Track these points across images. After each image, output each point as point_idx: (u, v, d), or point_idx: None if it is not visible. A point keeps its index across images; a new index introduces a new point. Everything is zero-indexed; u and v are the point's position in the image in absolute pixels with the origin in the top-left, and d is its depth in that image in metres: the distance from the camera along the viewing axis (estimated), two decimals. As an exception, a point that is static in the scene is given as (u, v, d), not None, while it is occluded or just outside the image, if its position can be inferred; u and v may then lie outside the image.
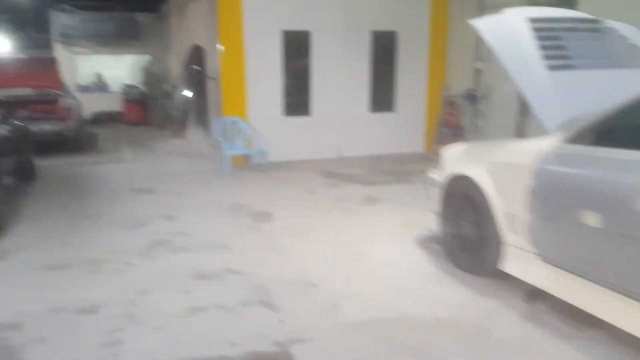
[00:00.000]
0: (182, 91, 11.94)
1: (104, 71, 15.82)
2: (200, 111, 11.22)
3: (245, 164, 8.44)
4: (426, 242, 4.83)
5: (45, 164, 8.32)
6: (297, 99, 8.79)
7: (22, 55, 13.39)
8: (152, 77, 14.65)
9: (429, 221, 4.68)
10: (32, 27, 16.05)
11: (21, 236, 5.10)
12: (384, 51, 9.06)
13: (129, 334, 3.26)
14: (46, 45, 15.09)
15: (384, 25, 9.00)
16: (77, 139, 10.01)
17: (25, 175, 7.23)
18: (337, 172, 8.04)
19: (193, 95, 11.60)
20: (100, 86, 15.69)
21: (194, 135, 11.17)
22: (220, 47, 8.29)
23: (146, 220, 5.59)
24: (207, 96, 10.39)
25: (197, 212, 5.96)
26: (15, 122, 7.02)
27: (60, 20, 14.60)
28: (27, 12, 15.91)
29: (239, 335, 3.22)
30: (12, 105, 9.06)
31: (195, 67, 11.12)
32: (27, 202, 6.33)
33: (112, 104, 14.84)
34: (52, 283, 4.03)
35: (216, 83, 8.90)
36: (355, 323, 3.40)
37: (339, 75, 8.87)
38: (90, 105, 13.53)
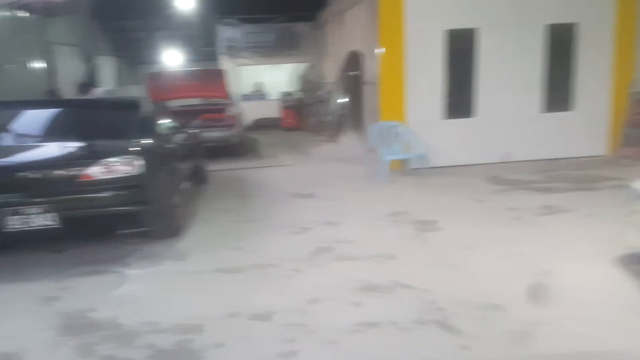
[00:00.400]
0: (338, 97, 12.03)
1: (263, 80, 16.70)
2: (355, 116, 11.19)
3: (403, 169, 8.15)
4: (629, 264, 4.11)
5: (213, 169, 8.82)
6: (459, 100, 8.28)
7: (192, 68, 14.61)
8: (308, 84, 15.06)
9: (632, 239, 3.97)
10: (200, 41, 17.50)
11: (196, 238, 5.36)
12: (559, 45, 8.16)
13: (302, 345, 3.15)
14: (213, 57, 16.32)
15: (561, 18, 8.12)
16: (240, 145, 10.55)
17: (198, 179, 7.70)
18: (505, 177, 7.39)
19: (348, 101, 11.62)
20: (260, 94, 16.57)
21: (348, 140, 11.17)
22: (379, 50, 8.12)
23: (308, 226, 5.56)
24: (362, 101, 10.31)
25: (357, 218, 5.81)
26: (190, 130, 7.50)
27: (226, 33, 15.66)
28: (196, 28, 17.37)
29: (418, 359, 2.93)
30: (185, 115, 9.80)
31: (351, 72, 11.12)
32: (199, 205, 6.71)
33: (270, 110, 15.57)
34: (226, 287, 4.12)
35: (373, 87, 8.74)
36: (551, 355, 2.94)
37: (508, 73, 8.18)
38: (251, 112, 14.31)
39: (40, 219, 4.30)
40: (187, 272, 4.44)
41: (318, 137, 12.74)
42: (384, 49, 8.07)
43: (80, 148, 4.53)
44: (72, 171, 4.40)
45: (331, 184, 7.64)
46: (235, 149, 10.42)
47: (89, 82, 13.03)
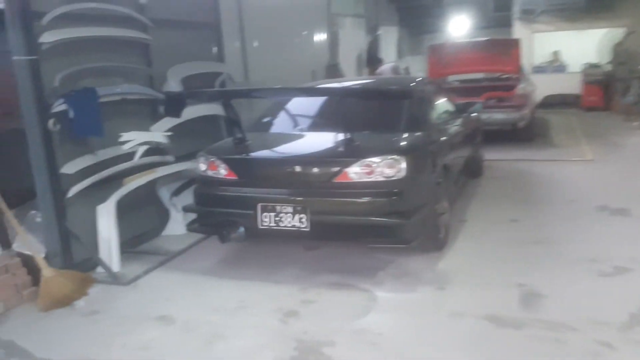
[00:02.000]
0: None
1: (561, 49, 14.17)
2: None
3: None
4: None
5: (488, 157, 7.50)
6: None
7: (480, 38, 13.09)
8: (625, 55, 12.12)
9: None
10: (492, 4, 15.74)
11: (462, 258, 4.31)
12: None
13: None
14: (505, 24, 14.51)
15: None
16: (527, 129, 8.89)
17: (472, 172, 6.55)
18: None
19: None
20: (556, 66, 14.15)
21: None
22: None
23: (625, 264, 3.96)
24: None
25: None
26: (469, 113, 6.36)
27: (524, -5, 13.63)
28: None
29: None
30: (467, 92, 8.63)
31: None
32: (469, 208, 5.61)
33: (568, 86, 13.13)
34: (495, 348, 2.99)
35: None
36: None
37: None
38: (543, 87, 12.19)
39: (290, 219, 3.82)
40: (446, 311, 3.44)
41: (632, 123, 10.13)
42: None
43: (342, 143, 3.86)
44: (330, 170, 3.79)
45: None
46: (522, 134, 8.82)
47: (376, 58, 12.84)
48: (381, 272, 4.07)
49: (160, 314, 3.60)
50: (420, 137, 4.26)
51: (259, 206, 3.89)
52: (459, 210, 5.40)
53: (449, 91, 7.97)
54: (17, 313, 3.72)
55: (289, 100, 4.93)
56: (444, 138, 4.84)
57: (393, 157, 3.72)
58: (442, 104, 5.61)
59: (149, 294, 3.97)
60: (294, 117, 4.72)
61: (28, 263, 3.94)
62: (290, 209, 3.82)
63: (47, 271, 3.88)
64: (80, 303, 3.85)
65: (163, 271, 4.38)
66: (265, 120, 4.91)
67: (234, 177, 4.03)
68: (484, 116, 7.97)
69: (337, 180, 3.74)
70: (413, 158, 3.82)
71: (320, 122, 4.62)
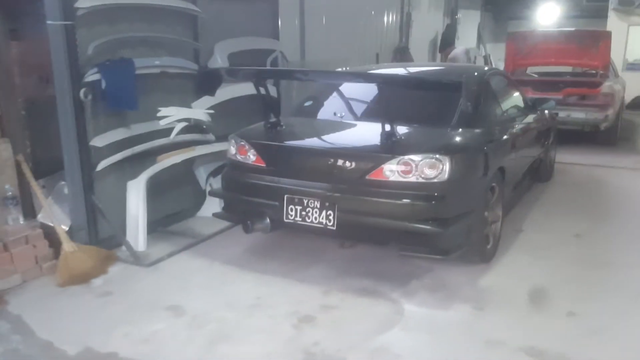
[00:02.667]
0: None
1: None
2: None
3: None
4: None
5: (562, 160, 6.81)
6: None
7: (567, 28, 11.98)
8: None
9: None
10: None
11: (510, 273, 3.82)
12: None
13: None
14: (600, 14, 13.25)
15: None
16: (610, 132, 8.01)
17: (539, 175, 5.92)
18: None
19: None
20: (651, 63, 12.77)
21: None
22: None
23: None
24: None
25: None
26: (544, 109, 5.72)
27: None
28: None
29: None
30: (546, 86, 7.88)
31: None
32: (530, 215, 5.04)
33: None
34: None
35: None
36: None
37: None
38: (634, 86, 11.01)
39: (317, 215, 3.49)
40: (481, 336, 3.00)
41: None
42: None
43: (381, 136, 3.45)
44: (364, 165, 3.40)
45: None
46: (604, 136, 7.97)
47: (447, 41, 12.11)
48: (415, 281, 3.67)
49: (172, 303, 3.41)
50: (473, 134, 3.78)
51: (285, 198, 3.58)
52: (516, 218, 4.86)
53: (526, 84, 7.37)
54: (34, 286, 3.65)
55: (336, 84, 4.55)
56: (506, 137, 4.32)
57: (435, 156, 3.28)
58: (510, 98, 5.05)
59: (167, 279, 3.79)
60: (337, 104, 4.33)
61: (50, 235, 3.86)
62: (317, 204, 3.48)
63: (67, 245, 3.78)
64: (98, 281, 3.73)
65: (187, 255, 4.19)
66: (307, 104, 4.58)
67: (262, 165, 3.74)
68: (562, 114, 7.30)
69: (371, 177, 3.35)
70: (459, 159, 3.37)
71: (366, 111, 4.22)
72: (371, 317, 3.24)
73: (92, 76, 3.93)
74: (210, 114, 4.88)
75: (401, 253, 3.39)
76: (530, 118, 5.24)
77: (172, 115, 4.52)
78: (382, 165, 3.32)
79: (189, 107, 4.84)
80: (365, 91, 4.34)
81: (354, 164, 3.41)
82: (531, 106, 5.42)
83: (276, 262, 4.02)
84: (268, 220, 3.69)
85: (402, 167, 3.29)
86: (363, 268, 3.87)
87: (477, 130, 3.84)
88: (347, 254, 4.13)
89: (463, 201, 3.47)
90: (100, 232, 4.17)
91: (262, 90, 3.81)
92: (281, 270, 3.86)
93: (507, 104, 4.81)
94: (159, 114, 4.41)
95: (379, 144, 3.44)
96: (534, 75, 9.42)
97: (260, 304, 3.40)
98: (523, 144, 4.81)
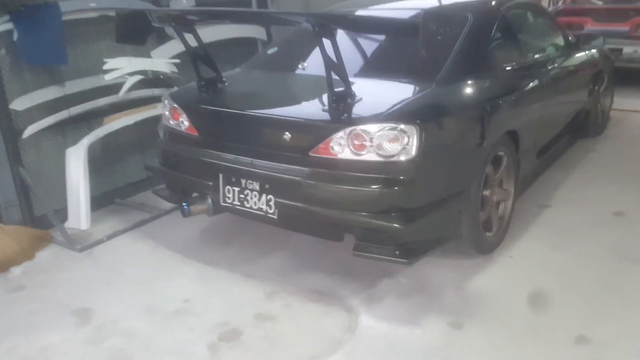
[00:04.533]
0: None
1: None
2: None
3: None
4: None
5: (621, 107, 5.62)
6: None
7: None
8: None
9: None
10: None
11: (514, 267, 2.96)
12: None
13: None
14: None
15: None
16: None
17: (586, 129, 4.82)
18: None
19: None
20: None
21: None
22: None
23: None
24: None
25: None
26: (592, 47, 4.58)
27: None
28: None
29: None
30: (609, 15, 6.59)
31: None
32: (561, 185, 4.05)
33: None
34: None
35: None
36: None
37: None
38: None
39: (256, 200, 2.75)
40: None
41: None
42: None
43: (332, 97, 2.57)
44: (306, 137, 2.57)
45: None
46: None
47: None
48: (387, 280, 2.89)
49: (84, 304, 2.84)
50: (464, 91, 2.84)
51: (220, 177, 2.85)
52: (546, 189, 3.90)
53: (586, 13, 6.22)
54: (-56, 276, 3.18)
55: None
56: (526, 89, 3.33)
57: (399, 126, 2.40)
58: (540, 37, 4.00)
59: (95, 269, 3.22)
60: (304, 52, 3.40)
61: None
62: (256, 186, 2.73)
63: (-12, 226, 3.28)
64: (17, 270, 3.21)
65: (131, 237, 3.59)
66: (270, 52, 3.72)
67: (194, 134, 2.99)
68: (628, 50, 6.14)
69: (315, 154, 2.52)
70: (433, 127, 2.47)
71: (336, 62, 3.30)
72: (313, 334, 2.53)
73: (2, 25, 3.27)
74: (176, 64, 4.19)
75: (355, 253, 2.58)
76: (570, 60, 4.17)
77: (121, 67, 3.86)
78: (328, 139, 2.48)
79: (148, 56, 4.15)
80: (347, 37, 3.39)
81: (294, 136, 2.58)
82: (574, 45, 4.32)
83: (231, 248, 3.34)
84: (210, 201, 2.99)
85: (354, 141, 2.44)
86: (331, 260, 3.12)
87: (475, 84, 2.90)
88: (315, 242, 3.36)
89: (443, 183, 2.61)
90: (36, 209, 3.65)
91: (184, 39, 2.99)
92: (230, 261, 3.18)
93: (533, 45, 3.78)
94: (105, 67, 3.76)
95: (327, 108, 2.58)
96: (597, 2, 7.92)
97: (185, 310, 2.76)
98: (555, 95, 3.77)
